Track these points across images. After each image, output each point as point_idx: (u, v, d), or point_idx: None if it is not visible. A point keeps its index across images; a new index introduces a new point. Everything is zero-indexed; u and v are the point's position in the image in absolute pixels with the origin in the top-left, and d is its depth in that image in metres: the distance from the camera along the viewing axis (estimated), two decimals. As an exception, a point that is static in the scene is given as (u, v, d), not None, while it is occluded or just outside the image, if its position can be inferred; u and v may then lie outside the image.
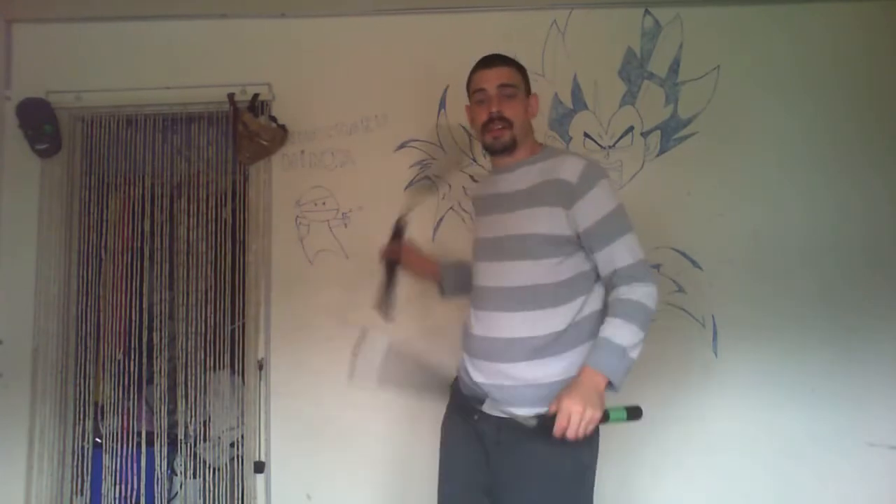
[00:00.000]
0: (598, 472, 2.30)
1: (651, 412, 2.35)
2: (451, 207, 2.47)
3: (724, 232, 2.41)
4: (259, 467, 2.43)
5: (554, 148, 1.80)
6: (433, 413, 1.83)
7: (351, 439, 2.42)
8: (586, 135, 2.46)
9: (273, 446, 2.45)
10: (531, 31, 2.48)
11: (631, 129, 2.46)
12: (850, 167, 2.41)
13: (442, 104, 2.48)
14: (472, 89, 1.70)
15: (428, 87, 2.48)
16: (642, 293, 1.50)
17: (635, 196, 2.43)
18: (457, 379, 1.76)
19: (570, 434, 1.41)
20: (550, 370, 1.54)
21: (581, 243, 1.57)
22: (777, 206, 2.41)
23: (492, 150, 1.69)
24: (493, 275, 1.64)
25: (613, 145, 2.46)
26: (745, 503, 2.34)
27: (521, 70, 1.71)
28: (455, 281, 1.91)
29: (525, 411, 1.52)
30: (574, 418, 1.40)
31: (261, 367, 2.46)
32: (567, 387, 1.46)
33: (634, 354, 1.49)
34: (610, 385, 1.47)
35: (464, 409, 1.67)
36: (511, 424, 1.53)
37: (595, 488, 1.68)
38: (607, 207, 1.55)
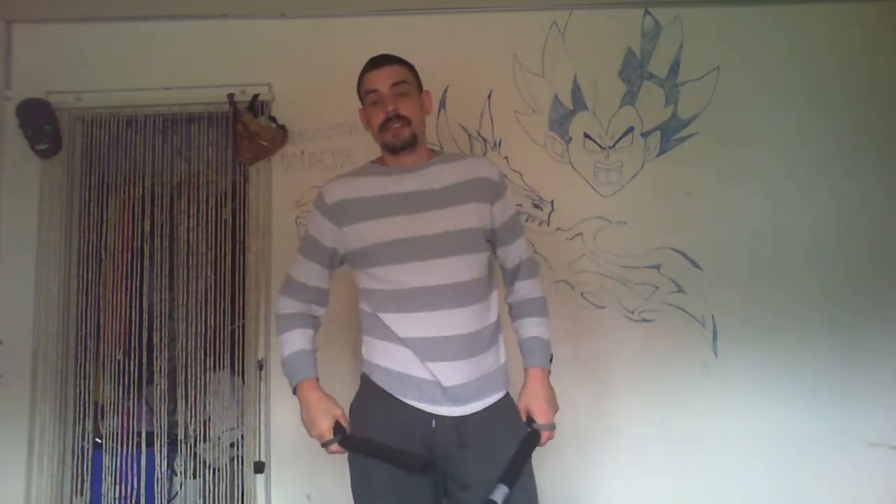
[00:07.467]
0: (600, 472, 2.30)
1: (651, 412, 2.38)
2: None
3: (724, 232, 2.41)
4: (259, 467, 2.43)
5: (447, 151, 1.89)
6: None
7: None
8: (586, 135, 2.46)
9: (273, 446, 2.44)
10: (531, 31, 2.48)
11: (631, 129, 2.46)
12: (850, 167, 2.42)
13: (442, 104, 2.48)
14: (364, 91, 1.67)
15: (428, 87, 2.48)
16: (540, 287, 1.72)
17: (635, 196, 2.44)
18: (383, 395, 1.64)
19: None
20: (499, 356, 1.66)
21: (494, 237, 1.68)
22: (777, 206, 2.42)
23: (393, 149, 1.65)
24: (437, 272, 1.56)
25: (613, 146, 2.46)
26: (745, 503, 2.34)
27: (410, 68, 1.71)
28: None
29: (494, 397, 1.60)
30: (552, 424, 1.59)
31: (261, 367, 2.46)
32: (529, 395, 1.61)
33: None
34: None
35: (410, 427, 1.56)
36: (472, 419, 1.56)
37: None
38: (514, 207, 1.75)
